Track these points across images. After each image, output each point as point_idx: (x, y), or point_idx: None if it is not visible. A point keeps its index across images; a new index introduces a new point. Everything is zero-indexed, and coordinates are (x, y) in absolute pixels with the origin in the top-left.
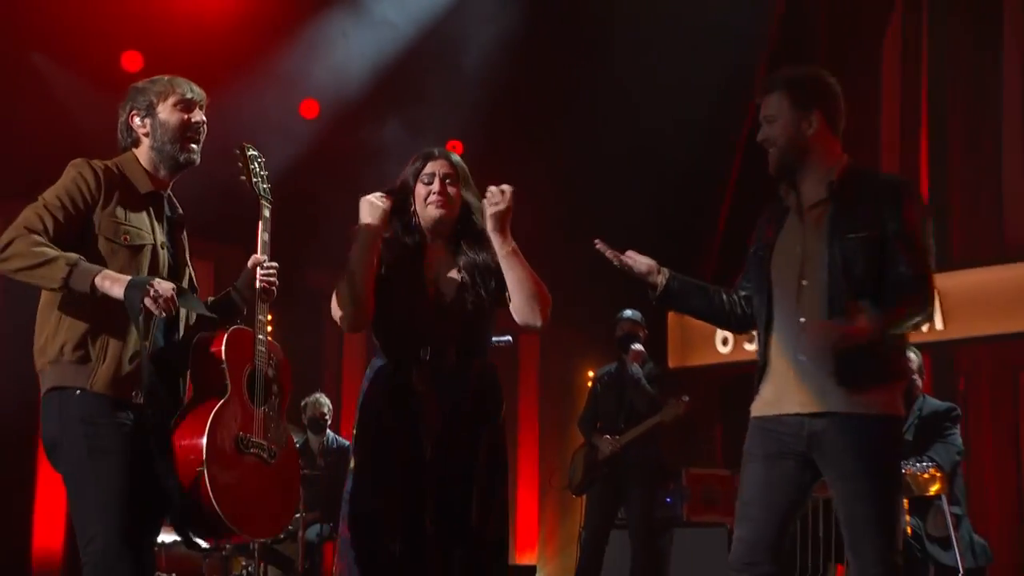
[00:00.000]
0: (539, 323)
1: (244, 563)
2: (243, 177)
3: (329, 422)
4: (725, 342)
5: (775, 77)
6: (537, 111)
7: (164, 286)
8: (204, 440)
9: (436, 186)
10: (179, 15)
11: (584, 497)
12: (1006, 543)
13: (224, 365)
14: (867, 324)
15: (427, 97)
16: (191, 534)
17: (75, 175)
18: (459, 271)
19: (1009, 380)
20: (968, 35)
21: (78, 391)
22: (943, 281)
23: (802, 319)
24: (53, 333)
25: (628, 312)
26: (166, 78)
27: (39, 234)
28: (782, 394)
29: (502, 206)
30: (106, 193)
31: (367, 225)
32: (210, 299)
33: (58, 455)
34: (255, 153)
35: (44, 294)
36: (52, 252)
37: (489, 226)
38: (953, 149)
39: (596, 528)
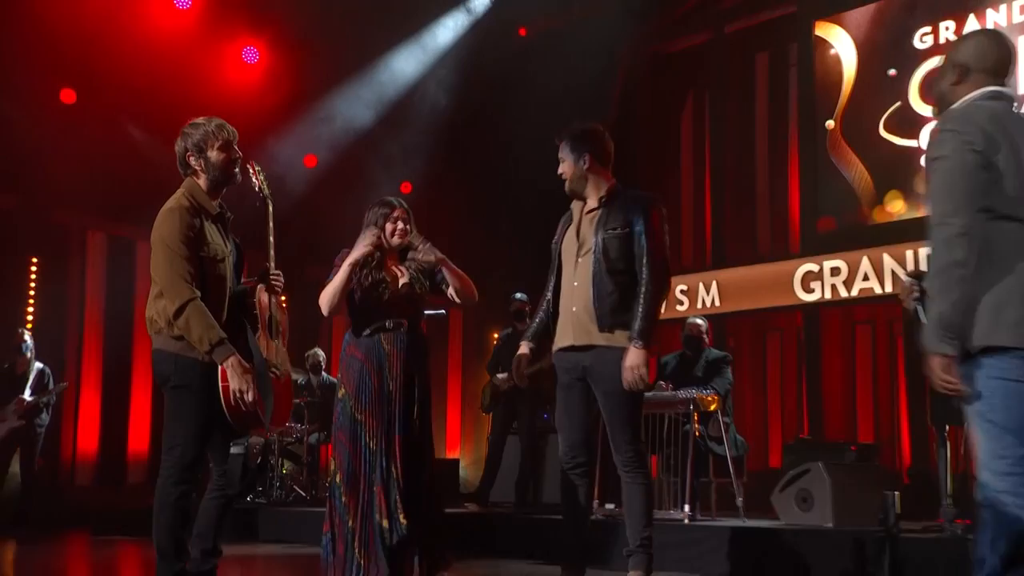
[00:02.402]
0: (475, 300)
1: (270, 458)
2: (255, 183)
3: (324, 367)
4: None
5: (561, 131)
6: (465, 153)
7: (250, 396)
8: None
9: (400, 227)
10: (230, 94)
11: (491, 415)
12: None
13: (257, 312)
14: (641, 353)
15: (395, 144)
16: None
17: (179, 223)
18: (406, 273)
19: (760, 339)
20: (735, 111)
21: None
22: (720, 275)
23: (576, 283)
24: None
25: (518, 294)
26: (211, 124)
27: (197, 293)
28: (564, 332)
29: (431, 255)
30: (199, 225)
31: (364, 252)
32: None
33: (167, 387)
34: (260, 168)
35: (155, 288)
36: (210, 331)
37: (431, 259)
38: (727, 187)
39: (498, 435)
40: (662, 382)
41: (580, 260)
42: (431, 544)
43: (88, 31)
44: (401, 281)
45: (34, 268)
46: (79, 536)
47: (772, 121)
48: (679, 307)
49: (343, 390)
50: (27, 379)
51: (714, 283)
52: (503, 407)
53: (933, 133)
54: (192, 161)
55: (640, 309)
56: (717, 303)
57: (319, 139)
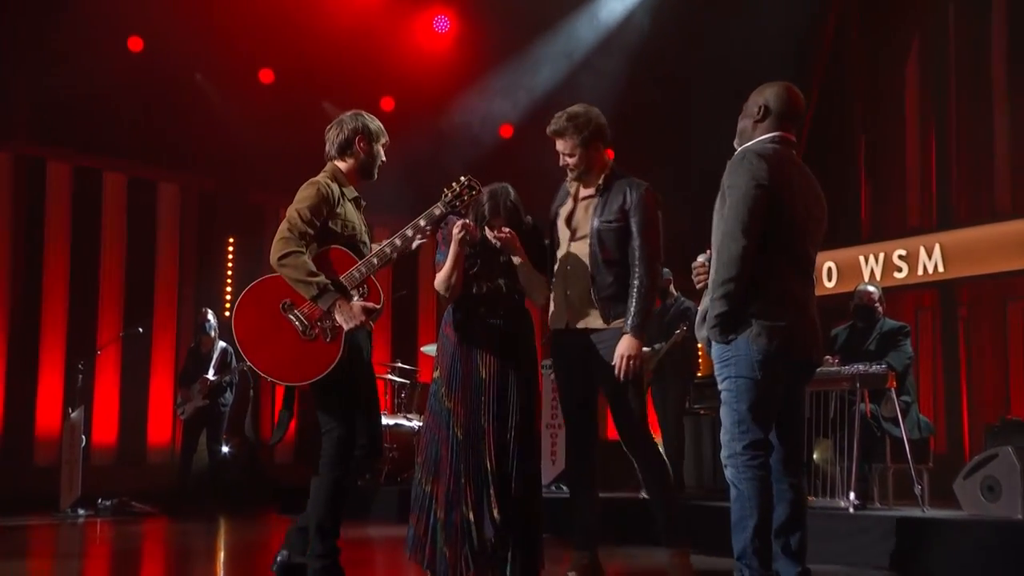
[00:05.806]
0: (540, 301)
1: None
2: (460, 193)
3: None
4: None
5: (564, 125)
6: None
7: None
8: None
9: (499, 233)
10: (423, 64)
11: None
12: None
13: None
14: (635, 343)
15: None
16: None
17: (316, 194)
18: (501, 269)
19: (1001, 309)
20: (967, 56)
21: None
22: (944, 236)
23: (569, 267)
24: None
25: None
26: (377, 122)
27: (304, 247)
28: (559, 315)
29: (511, 252)
30: (334, 202)
31: (459, 241)
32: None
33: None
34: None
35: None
36: (311, 277)
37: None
38: (958, 139)
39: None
40: (828, 356)
41: (573, 245)
42: (527, 546)
43: (285, 11)
44: (494, 276)
45: (231, 247)
46: (266, 513)
47: (1011, 64)
48: (897, 275)
49: (437, 371)
50: (211, 358)
51: (937, 246)
52: (654, 382)
53: (731, 164)
54: (359, 143)
55: (634, 305)
56: (941, 268)
57: (510, 102)
